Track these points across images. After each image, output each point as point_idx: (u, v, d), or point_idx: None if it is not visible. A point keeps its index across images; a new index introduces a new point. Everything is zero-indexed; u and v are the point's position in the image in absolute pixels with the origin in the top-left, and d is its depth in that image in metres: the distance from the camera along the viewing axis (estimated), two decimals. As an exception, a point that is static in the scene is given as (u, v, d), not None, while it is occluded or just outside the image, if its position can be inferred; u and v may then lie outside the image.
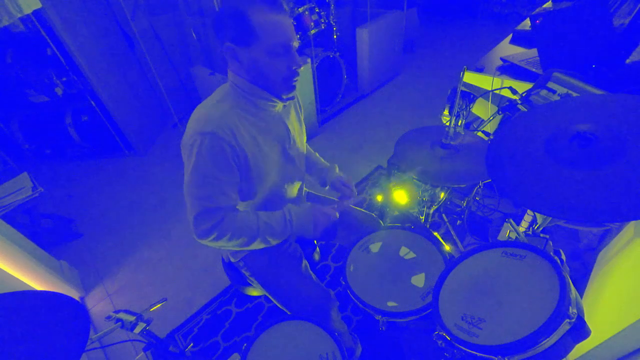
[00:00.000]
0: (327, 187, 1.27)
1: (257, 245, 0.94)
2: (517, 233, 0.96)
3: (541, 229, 1.01)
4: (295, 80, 0.91)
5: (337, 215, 1.03)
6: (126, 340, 0.91)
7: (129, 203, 2.66)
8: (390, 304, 0.94)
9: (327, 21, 2.87)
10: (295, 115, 1.10)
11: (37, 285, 1.76)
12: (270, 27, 0.81)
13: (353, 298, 0.98)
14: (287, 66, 0.86)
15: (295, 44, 0.86)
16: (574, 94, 1.06)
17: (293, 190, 1.11)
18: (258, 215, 0.94)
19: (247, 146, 0.89)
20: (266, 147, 0.95)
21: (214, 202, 0.86)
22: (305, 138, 1.17)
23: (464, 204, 1.75)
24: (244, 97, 0.91)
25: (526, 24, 1.88)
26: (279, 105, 0.97)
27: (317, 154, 1.31)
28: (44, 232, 2.28)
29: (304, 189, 1.23)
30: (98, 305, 1.95)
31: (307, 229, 0.98)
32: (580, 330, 0.66)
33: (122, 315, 0.89)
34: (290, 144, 1.03)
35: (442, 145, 1.19)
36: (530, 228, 1.07)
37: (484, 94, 1.40)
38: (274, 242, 0.96)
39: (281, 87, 0.90)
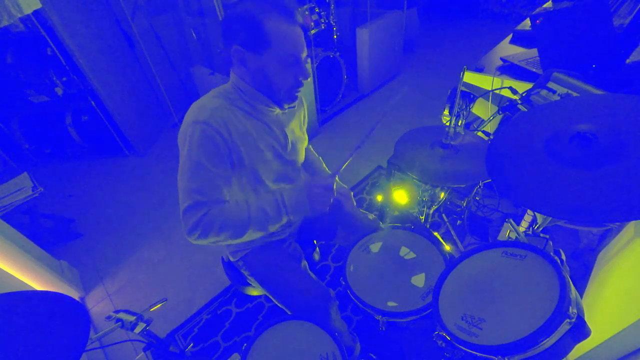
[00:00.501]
0: None
1: (252, 234, 0.90)
2: (517, 233, 0.96)
3: (541, 229, 1.01)
4: (299, 91, 0.92)
5: (335, 186, 0.91)
6: (126, 340, 0.92)
7: (129, 203, 2.66)
8: (390, 304, 0.94)
9: (327, 21, 2.87)
10: (297, 122, 1.10)
11: (37, 285, 1.76)
12: (284, 37, 0.82)
13: (353, 298, 0.98)
14: (294, 77, 0.88)
15: (304, 55, 0.87)
16: (574, 94, 1.06)
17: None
18: (248, 202, 0.91)
19: (241, 140, 0.89)
20: (261, 145, 0.95)
21: (203, 195, 0.85)
22: (305, 144, 1.17)
23: (464, 204, 1.75)
24: (243, 99, 0.92)
25: (526, 24, 1.88)
26: (277, 110, 0.98)
27: (320, 159, 1.31)
28: (44, 232, 2.28)
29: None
30: (98, 305, 1.95)
31: (303, 206, 0.90)
32: (580, 330, 0.66)
33: (122, 315, 0.89)
34: (286, 149, 1.02)
35: (442, 145, 1.19)
36: (530, 228, 1.07)
37: (484, 94, 1.40)
38: (271, 229, 0.91)
39: (284, 96, 0.91)
